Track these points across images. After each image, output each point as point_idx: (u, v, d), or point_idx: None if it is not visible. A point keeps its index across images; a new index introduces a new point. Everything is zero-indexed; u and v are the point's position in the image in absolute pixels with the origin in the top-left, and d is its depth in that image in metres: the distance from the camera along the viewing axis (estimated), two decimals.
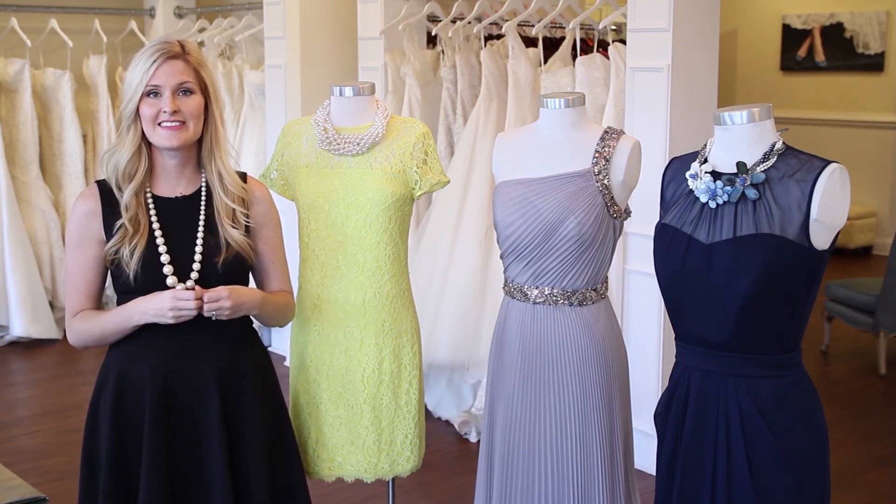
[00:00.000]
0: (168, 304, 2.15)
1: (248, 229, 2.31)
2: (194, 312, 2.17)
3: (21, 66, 6.08)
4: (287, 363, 4.62)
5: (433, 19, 5.02)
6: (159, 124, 2.20)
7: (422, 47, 5.05)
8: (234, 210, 2.28)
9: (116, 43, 6.63)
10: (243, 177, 2.38)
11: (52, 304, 6.08)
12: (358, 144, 2.57)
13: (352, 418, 2.63)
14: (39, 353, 5.77)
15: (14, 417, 4.79)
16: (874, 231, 8.59)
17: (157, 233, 2.24)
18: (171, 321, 2.17)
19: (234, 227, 2.27)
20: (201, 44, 6.33)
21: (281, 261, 2.41)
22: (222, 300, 2.17)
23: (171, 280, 2.21)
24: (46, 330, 5.90)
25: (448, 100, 4.81)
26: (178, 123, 2.20)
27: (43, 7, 6.40)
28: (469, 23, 4.76)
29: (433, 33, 5.04)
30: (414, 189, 2.60)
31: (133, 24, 6.65)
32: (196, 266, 2.22)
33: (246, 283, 2.35)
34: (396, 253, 2.61)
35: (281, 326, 2.52)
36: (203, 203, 2.29)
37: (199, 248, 2.24)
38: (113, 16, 6.76)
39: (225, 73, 6.05)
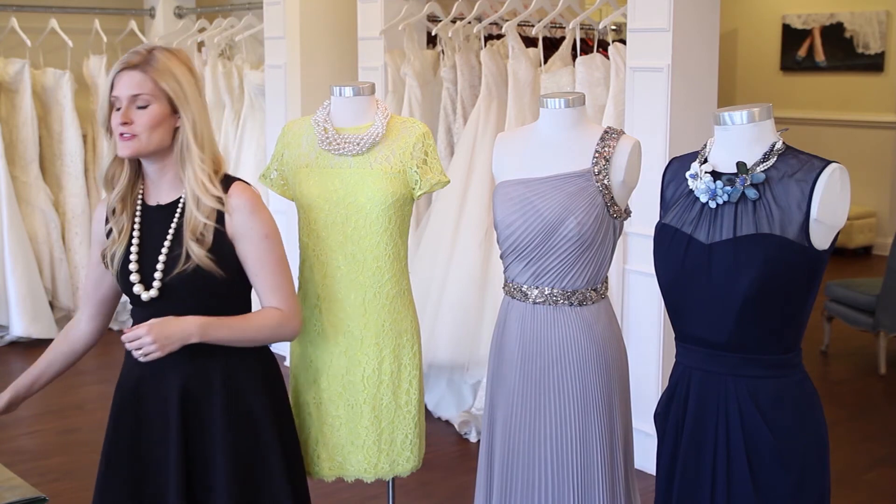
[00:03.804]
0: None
1: (220, 243, 2.23)
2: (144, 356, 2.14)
3: (21, 66, 6.08)
4: (287, 363, 4.62)
5: (433, 19, 5.02)
6: (118, 135, 2.21)
7: (422, 47, 5.05)
8: (203, 223, 2.22)
9: (116, 43, 6.64)
10: (231, 183, 2.30)
11: (52, 304, 6.08)
12: (358, 144, 2.57)
13: (352, 418, 2.63)
14: (39, 353, 5.69)
15: (14, 417, 4.77)
16: (874, 231, 8.60)
17: (134, 240, 2.26)
18: (148, 359, 2.16)
19: (196, 242, 2.21)
20: (201, 44, 6.34)
21: (269, 274, 2.28)
22: (141, 339, 2.11)
23: (136, 288, 2.23)
24: (46, 330, 5.90)
25: (448, 100, 4.81)
26: (130, 135, 2.19)
27: (43, 7, 6.40)
28: (469, 23, 4.76)
29: (433, 33, 5.04)
30: (414, 189, 2.60)
31: (133, 24, 6.65)
32: (157, 276, 2.22)
33: (221, 298, 2.27)
34: (396, 253, 2.61)
35: (272, 344, 2.37)
36: (178, 213, 2.27)
37: (162, 258, 2.23)
38: (113, 16, 6.76)
39: (225, 73, 6.06)
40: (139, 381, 2.29)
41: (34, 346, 5.86)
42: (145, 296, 2.22)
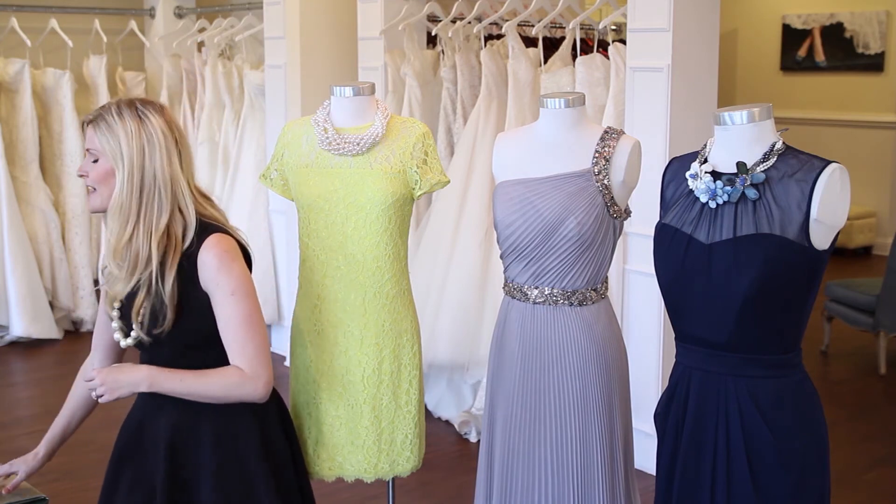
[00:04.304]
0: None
1: (191, 297, 2.19)
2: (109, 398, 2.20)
3: (21, 66, 6.08)
4: (287, 363, 4.62)
5: (433, 19, 5.02)
6: None
7: (422, 47, 5.05)
8: (143, 295, 2.19)
9: (116, 43, 6.64)
10: (209, 234, 2.21)
11: (52, 304, 6.08)
12: (358, 144, 2.57)
13: (352, 418, 2.63)
14: (39, 353, 5.77)
15: (14, 417, 4.79)
16: (874, 231, 8.60)
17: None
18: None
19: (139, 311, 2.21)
20: (201, 44, 6.34)
21: (233, 332, 2.18)
22: (94, 381, 2.19)
23: (116, 335, 2.26)
24: (46, 330, 5.90)
25: (448, 100, 4.81)
26: (90, 188, 2.23)
27: (43, 7, 6.40)
28: (469, 23, 4.76)
29: (433, 33, 5.04)
30: (414, 189, 2.60)
31: (133, 24, 6.65)
32: (133, 333, 2.23)
33: (197, 350, 2.24)
34: (396, 253, 2.61)
35: (233, 401, 2.22)
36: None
37: (143, 311, 2.21)
38: (113, 16, 6.76)
39: (225, 73, 6.06)
40: (140, 425, 2.31)
41: (34, 346, 5.86)
42: (123, 343, 2.27)
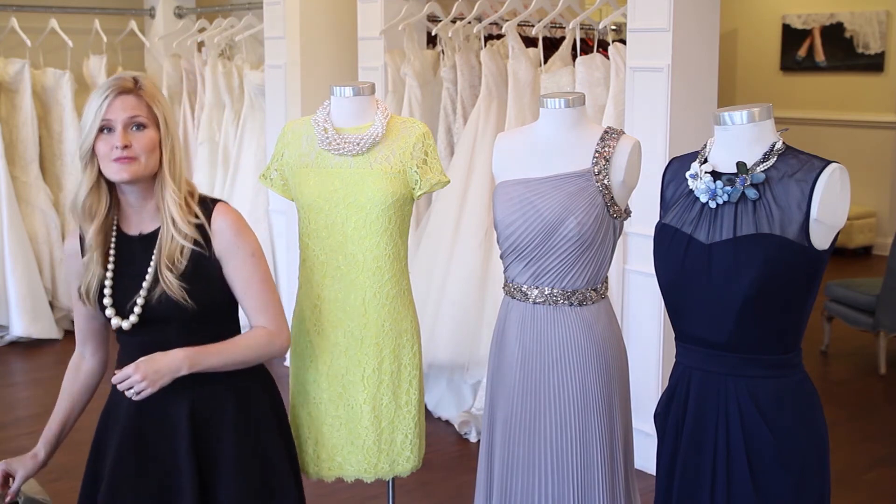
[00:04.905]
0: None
1: (203, 267, 2.22)
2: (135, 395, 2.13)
3: (21, 66, 6.08)
4: (287, 363, 4.62)
5: (433, 19, 5.02)
6: (113, 159, 2.18)
7: (422, 47, 5.05)
8: (177, 252, 2.20)
9: (116, 43, 6.64)
10: (212, 204, 2.28)
11: (52, 304, 6.08)
12: (358, 144, 2.57)
13: (352, 418, 2.63)
14: (39, 353, 5.77)
15: (14, 417, 4.79)
16: (874, 231, 8.60)
17: (109, 273, 2.24)
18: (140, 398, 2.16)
19: (169, 270, 2.20)
20: (201, 44, 6.34)
21: (256, 293, 2.27)
22: (130, 378, 2.11)
23: (114, 321, 2.23)
24: (46, 330, 5.91)
25: (448, 100, 4.81)
26: (128, 158, 2.17)
27: (43, 7, 6.40)
28: (469, 23, 4.76)
29: (433, 33, 5.04)
30: (414, 189, 2.60)
31: (133, 24, 6.65)
32: (140, 301, 2.21)
33: (204, 323, 2.25)
34: (396, 253, 2.60)
35: (264, 361, 2.35)
36: (157, 243, 2.24)
37: (145, 285, 2.21)
38: (113, 16, 6.76)
39: (225, 73, 6.06)
40: (141, 415, 2.25)
41: (34, 346, 5.86)
42: (125, 324, 2.22)
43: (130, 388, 2.12)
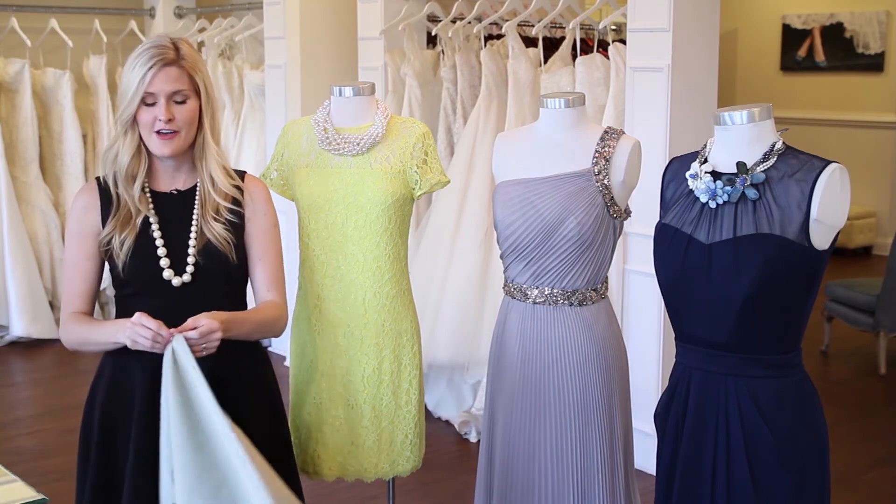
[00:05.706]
0: (127, 332, 2.07)
1: (236, 226, 2.27)
2: (148, 345, 2.05)
3: (21, 66, 6.08)
4: (287, 363, 4.62)
5: (433, 19, 5.02)
6: (156, 132, 2.19)
7: (422, 47, 5.05)
8: (219, 205, 2.25)
9: (116, 43, 6.63)
10: (242, 175, 2.36)
11: (52, 304, 6.08)
12: (358, 144, 2.57)
13: (352, 418, 2.63)
14: (39, 353, 5.77)
15: (14, 417, 4.79)
16: (874, 231, 8.59)
17: (154, 226, 2.24)
18: (137, 347, 2.08)
19: (216, 220, 2.24)
20: (201, 44, 6.34)
21: (271, 264, 2.31)
22: (214, 333, 2.07)
23: (167, 273, 2.20)
24: (46, 330, 5.90)
25: (448, 100, 4.81)
26: (171, 132, 2.19)
27: (43, 7, 6.40)
28: (469, 23, 4.76)
29: (433, 33, 5.04)
30: (414, 189, 2.60)
31: (133, 24, 6.65)
32: (191, 260, 2.22)
33: (233, 284, 2.28)
34: (396, 253, 2.61)
35: (265, 339, 2.35)
36: (197, 198, 2.28)
37: (192, 243, 2.23)
38: (113, 16, 6.76)
39: (225, 73, 6.06)
40: (156, 375, 2.12)
41: (34, 346, 5.86)
42: (176, 280, 2.20)
43: (210, 343, 2.07)
